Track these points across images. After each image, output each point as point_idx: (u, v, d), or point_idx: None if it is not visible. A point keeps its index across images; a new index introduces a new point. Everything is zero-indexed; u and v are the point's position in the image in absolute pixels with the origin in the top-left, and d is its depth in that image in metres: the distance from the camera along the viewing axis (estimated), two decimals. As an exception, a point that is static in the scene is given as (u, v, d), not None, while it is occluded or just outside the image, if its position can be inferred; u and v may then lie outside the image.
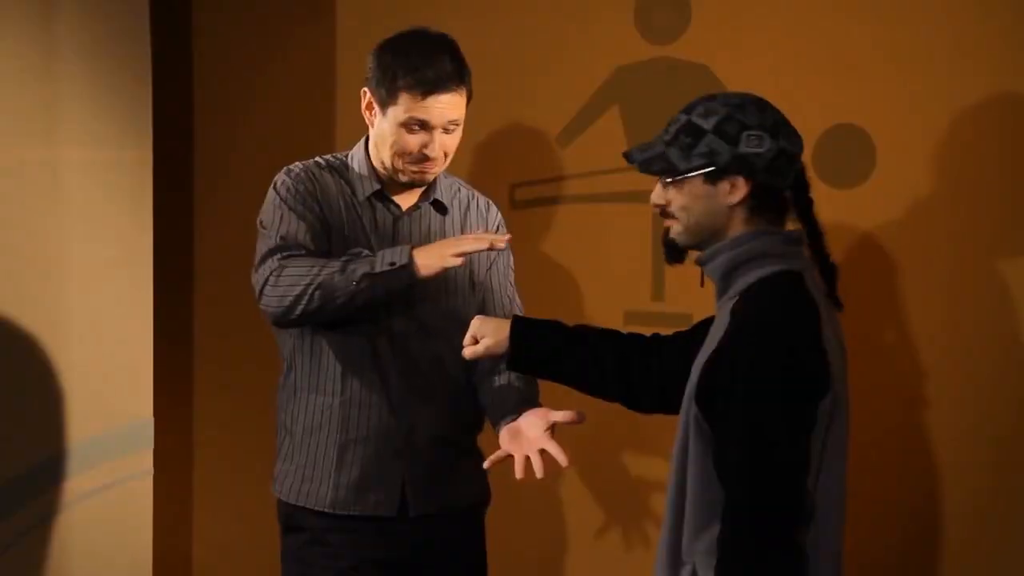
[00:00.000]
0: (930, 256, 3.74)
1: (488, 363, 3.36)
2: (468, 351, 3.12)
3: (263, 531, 3.91)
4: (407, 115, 3.28)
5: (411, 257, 3.18)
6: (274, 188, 3.38)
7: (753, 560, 2.63)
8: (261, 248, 3.34)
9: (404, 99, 3.28)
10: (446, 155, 3.35)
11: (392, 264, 3.19)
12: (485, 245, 3.19)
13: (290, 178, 3.37)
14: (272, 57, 4.35)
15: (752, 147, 2.74)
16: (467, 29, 3.95)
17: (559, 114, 4.05)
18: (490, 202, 3.53)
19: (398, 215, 3.40)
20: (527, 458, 3.21)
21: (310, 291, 3.21)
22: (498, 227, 3.51)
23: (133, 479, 4.05)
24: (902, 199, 3.75)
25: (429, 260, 3.19)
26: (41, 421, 3.93)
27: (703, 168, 2.76)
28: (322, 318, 3.26)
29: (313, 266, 3.23)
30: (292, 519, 3.42)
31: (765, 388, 2.62)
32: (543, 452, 3.21)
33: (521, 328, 3.07)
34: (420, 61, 3.27)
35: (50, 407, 3.94)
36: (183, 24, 4.41)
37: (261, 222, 3.37)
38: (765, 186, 2.75)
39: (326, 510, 3.37)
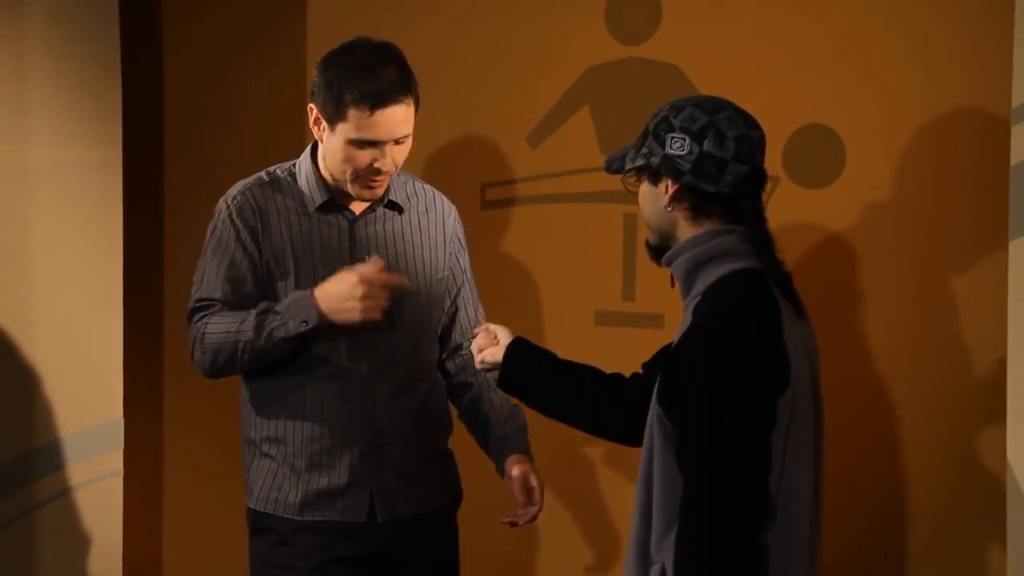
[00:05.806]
0: (899, 255, 3.75)
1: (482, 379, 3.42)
2: (488, 352, 3.10)
3: (233, 532, 3.89)
4: (357, 134, 3.20)
5: (318, 313, 3.20)
6: (217, 217, 3.37)
7: (708, 556, 2.62)
8: (192, 288, 3.36)
9: (352, 116, 3.20)
10: (396, 166, 3.28)
11: (304, 323, 3.22)
12: (381, 265, 3.20)
13: (233, 207, 3.34)
14: (242, 54, 4.34)
15: (675, 149, 2.73)
16: (438, 30, 3.96)
17: (530, 114, 4.05)
18: (448, 203, 3.47)
19: (352, 219, 3.35)
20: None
21: (238, 355, 3.27)
22: (454, 234, 3.47)
23: (103, 480, 4.04)
24: (871, 199, 3.76)
25: (338, 305, 3.20)
26: (10, 422, 3.91)
27: (639, 169, 2.78)
28: (258, 368, 3.33)
29: (229, 331, 3.26)
30: (260, 522, 3.41)
31: (721, 385, 2.63)
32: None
33: (516, 351, 3.07)
34: (365, 75, 3.19)
35: (19, 408, 3.93)
36: (152, 21, 4.39)
37: (205, 243, 3.38)
38: (693, 188, 2.73)
39: (295, 517, 3.36)
